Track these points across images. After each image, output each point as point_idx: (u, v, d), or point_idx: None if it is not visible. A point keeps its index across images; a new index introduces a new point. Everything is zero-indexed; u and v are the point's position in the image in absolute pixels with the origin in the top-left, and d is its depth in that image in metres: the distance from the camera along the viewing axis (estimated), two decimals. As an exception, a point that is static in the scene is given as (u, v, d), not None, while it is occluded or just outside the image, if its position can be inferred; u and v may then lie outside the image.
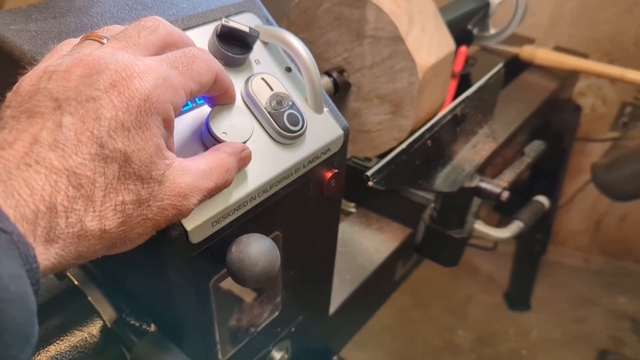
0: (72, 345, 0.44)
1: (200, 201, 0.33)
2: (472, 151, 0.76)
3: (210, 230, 0.38)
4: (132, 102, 0.28)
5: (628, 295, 1.84)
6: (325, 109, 0.47)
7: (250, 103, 0.42)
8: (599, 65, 1.14)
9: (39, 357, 0.42)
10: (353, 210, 0.88)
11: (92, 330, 0.45)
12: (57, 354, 0.42)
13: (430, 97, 0.76)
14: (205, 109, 0.40)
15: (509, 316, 1.80)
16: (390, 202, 0.85)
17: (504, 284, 1.84)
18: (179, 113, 0.38)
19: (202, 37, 0.43)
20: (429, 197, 0.79)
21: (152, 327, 0.45)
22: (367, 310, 0.86)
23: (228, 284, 0.45)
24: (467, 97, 0.72)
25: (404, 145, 0.62)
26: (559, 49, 1.27)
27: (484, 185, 0.73)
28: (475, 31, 1.06)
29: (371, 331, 1.68)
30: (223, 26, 0.40)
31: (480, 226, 0.78)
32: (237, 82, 0.41)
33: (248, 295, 0.50)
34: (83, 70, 0.28)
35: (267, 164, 0.41)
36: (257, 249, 0.38)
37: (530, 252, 1.71)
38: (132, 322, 0.45)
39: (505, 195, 0.72)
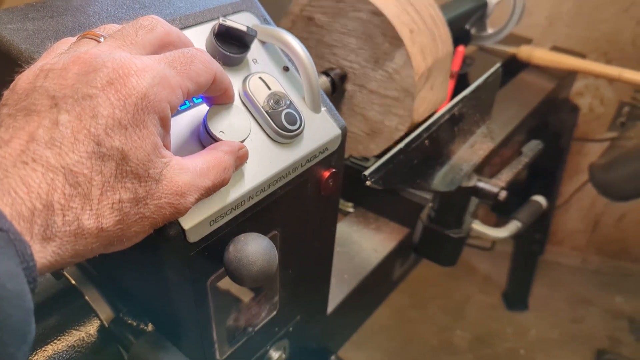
0: (70, 344, 0.44)
1: (198, 200, 0.33)
2: (470, 151, 0.76)
3: (208, 229, 0.38)
4: (129, 100, 0.28)
5: (625, 295, 1.85)
6: (323, 109, 0.47)
7: (248, 102, 0.42)
8: (596, 65, 1.14)
9: (36, 356, 0.42)
10: (351, 210, 0.88)
11: (90, 329, 0.45)
12: (54, 354, 0.42)
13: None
14: (203, 108, 0.40)
15: (506, 316, 1.80)
16: (388, 202, 0.85)
17: (502, 283, 1.85)
18: (176, 112, 0.38)
19: (199, 36, 0.43)
20: (426, 197, 0.79)
21: (150, 327, 0.45)
22: (365, 310, 0.86)
23: (226, 283, 0.45)
24: (464, 97, 0.72)
25: (401, 145, 0.62)
26: (556, 48, 1.27)
27: (481, 184, 0.73)
28: (473, 31, 1.06)
29: (369, 331, 1.68)
30: (221, 25, 0.40)
31: (478, 226, 0.78)
32: (234, 81, 0.41)
33: (246, 295, 0.50)
34: (80, 68, 0.28)
35: (265, 163, 0.41)
36: (255, 248, 0.38)
37: (528, 251, 1.71)
38: (129, 321, 0.45)
39: (503, 195, 0.72)
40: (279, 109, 0.42)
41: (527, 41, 1.25)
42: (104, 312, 0.46)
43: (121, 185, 0.28)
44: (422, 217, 0.79)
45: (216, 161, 0.34)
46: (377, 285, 0.82)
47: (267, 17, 0.49)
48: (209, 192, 0.34)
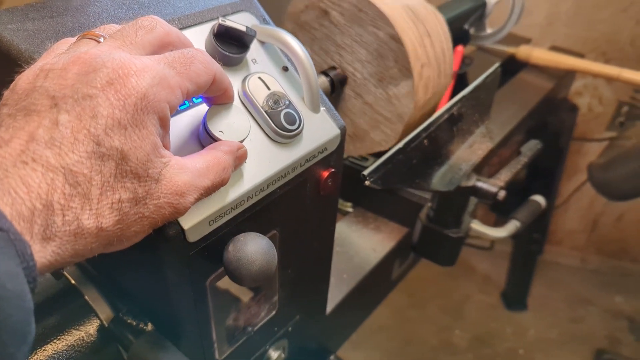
0: (69, 344, 0.44)
1: (197, 199, 0.33)
2: (469, 150, 0.76)
3: (208, 229, 0.38)
4: (128, 100, 0.28)
5: (625, 295, 1.85)
6: (322, 109, 0.47)
7: (247, 102, 0.42)
8: (595, 65, 1.14)
9: (36, 356, 0.42)
10: (350, 209, 0.88)
11: (89, 329, 0.45)
12: (54, 353, 0.42)
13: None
14: (203, 108, 0.40)
15: (506, 316, 1.80)
16: (387, 202, 0.85)
17: (501, 283, 1.85)
18: (176, 112, 0.38)
19: (199, 36, 0.43)
20: (425, 197, 0.79)
21: (149, 326, 0.45)
22: (364, 310, 0.86)
23: (225, 283, 0.45)
24: (463, 97, 0.72)
25: (400, 145, 0.62)
26: (555, 48, 1.27)
27: (480, 184, 0.73)
28: (471, 31, 1.06)
29: (368, 331, 1.68)
30: (220, 25, 0.40)
31: (477, 225, 0.78)
32: (234, 81, 0.41)
33: (245, 295, 0.50)
34: (80, 68, 0.28)
35: (264, 163, 0.41)
36: (254, 248, 0.38)
37: (527, 251, 1.71)
38: (129, 321, 0.45)
39: (502, 194, 0.72)
40: (278, 109, 0.42)
41: (526, 41, 1.25)
42: (104, 311, 0.46)
43: (121, 185, 0.28)
44: (421, 216, 0.79)
45: (215, 161, 0.34)
46: (376, 285, 0.82)
47: (267, 17, 0.49)
48: (209, 192, 0.34)
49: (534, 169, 1.45)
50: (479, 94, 0.77)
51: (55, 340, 0.43)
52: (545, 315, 1.79)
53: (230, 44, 0.42)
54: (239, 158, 0.38)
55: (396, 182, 0.64)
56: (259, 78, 0.43)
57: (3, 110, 0.28)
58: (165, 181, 0.31)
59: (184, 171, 0.32)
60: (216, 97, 0.38)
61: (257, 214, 0.43)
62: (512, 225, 0.83)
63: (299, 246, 0.53)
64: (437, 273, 1.87)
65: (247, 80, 0.42)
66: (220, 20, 0.40)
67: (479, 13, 1.04)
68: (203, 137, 0.38)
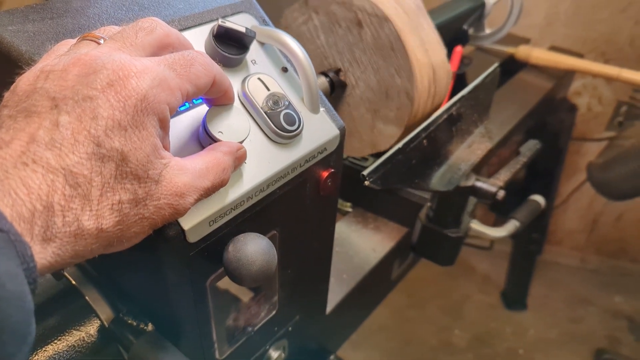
0: (70, 344, 0.44)
1: (197, 200, 0.33)
2: (468, 150, 0.76)
3: (208, 230, 0.38)
4: (128, 101, 0.28)
5: (624, 295, 1.85)
6: (322, 109, 0.47)
7: (247, 103, 0.42)
8: (594, 65, 1.14)
9: (36, 356, 0.42)
10: (349, 210, 0.88)
11: (90, 329, 0.45)
12: (54, 354, 0.43)
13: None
14: (203, 109, 0.40)
15: (505, 316, 1.80)
16: (386, 202, 0.85)
17: (501, 283, 1.85)
18: (176, 113, 0.38)
19: (198, 37, 0.43)
20: (425, 197, 0.80)
21: (150, 327, 0.45)
22: (363, 310, 0.86)
23: (225, 283, 0.45)
24: (462, 97, 0.72)
25: (400, 145, 0.62)
26: (554, 48, 1.27)
27: (479, 184, 0.73)
28: (470, 31, 1.06)
29: (368, 331, 1.68)
30: (220, 27, 0.40)
31: (476, 225, 0.79)
32: (233, 82, 0.41)
33: (245, 295, 0.50)
34: (80, 69, 0.28)
35: (264, 164, 0.41)
36: (254, 248, 0.38)
37: (526, 251, 1.71)
38: (129, 321, 0.45)
39: (501, 194, 0.72)
40: (278, 110, 0.42)
41: (525, 41, 1.25)
42: (104, 312, 0.46)
43: (121, 186, 0.28)
44: (420, 216, 0.79)
45: (215, 162, 0.35)
46: (375, 285, 0.82)
47: (266, 18, 0.49)
48: (208, 192, 0.34)
49: (533, 169, 1.45)
50: (478, 94, 0.77)
51: (55, 341, 0.43)
52: (545, 315, 1.79)
53: (230, 45, 0.42)
54: (239, 159, 0.38)
55: (396, 182, 0.64)
56: (259, 79, 0.43)
57: (3, 111, 0.28)
58: (165, 182, 0.31)
59: (184, 172, 0.32)
60: (216, 98, 0.38)
61: (257, 214, 0.43)
62: (512, 225, 0.83)
63: (299, 246, 0.53)
64: (436, 273, 1.87)
65: (246, 81, 0.42)
66: (219, 22, 0.40)
67: (478, 13, 1.04)
68: (203, 138, 0.38)
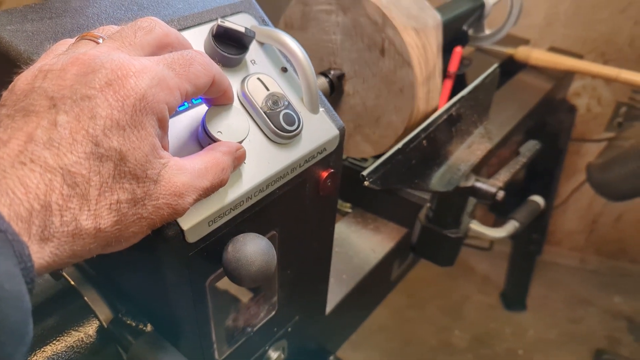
0: (69, 345, 0.44)
1: (196, 200, 0.33)
2: (468, 151, 0.76)
3: (207, 230, 0.38)
4: (127, 101, 0.28)
5: (624, 295, 1.85)
6: (321, 109, 0.47)
7: (246, 103, 0.42)
8: (593, 66, 1.14)
9: (35, 357, 0.42)
10: (349, 210, 0.88)
11: (89, 330, 0.45)
12: (53, 354, 0.42)
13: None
14: (202, 109, 0.40)
15: (505, 316, 1.80)
16: (386, 202, 0.85)
17: (500, 283, 1.85)
18: (175, 113, 0.38)
19: (198, 37, 0.43)
20: (424, 197, 0.80)
21: (149, 327, 0.45)
22: (363, 311, 0.86)
23: (224, 283, 0.45)
24: (462, 98, 0.72)
25: (399, 145, 0.62)
26: (553, 49, 1.27)
27: (479, 185, 0.73)
28: (470, 32, 1.06)
29: (367, 331, 1.68)
30: (219, 26, 0.40)
31: (475, 226, 0.79)
32: (233, 82, 0.41)
33: (244, 295, 0.50)
34: (78, 69, 0.28)
35: (263, 164, 0.41)
36: (254, 249, 0.38)
37: (526, 252, 1.71)
38: (128, 322, 0.45)
39: (501, 195, 0.72)
40: (277, 110, 0.42)
41: (525, 42, 1.25)
42: (103, 312, 0.46)
43: (119, 186, 0.28)
44: (420, 217, 0.79)
45: (214, 162, 0.34)
46: (375, 285, 0.82)
47: (266, 18, 0.49)
48: (207, 192, 0.34)
49: (532, 170, 1.45)
50: (478, 95, 0.77)
51: (54, 341, 0.43)
52: (545, 316, 1.79)
53: (230, 45, 0.42)
54: (238, 159, 0.38)
55: (395, 182, 0.64)
56: (258, 79, 0.43)
57: (2, 110, 0.28)
58: (163, 182, 0.31)
59: (183, 172, 0.32)
60: (215, 98, 0.38)
61: (257, 214, 0.43)
62: (511, 226, 0.83)
63: (299, 247, 0.53)
64: (436, 273, 1.87)
65: (246, 81, 0.42)
66: (219, 22, 0.40)
67: (477, 14, 1.04)
68: (202, 138, 0.38)
